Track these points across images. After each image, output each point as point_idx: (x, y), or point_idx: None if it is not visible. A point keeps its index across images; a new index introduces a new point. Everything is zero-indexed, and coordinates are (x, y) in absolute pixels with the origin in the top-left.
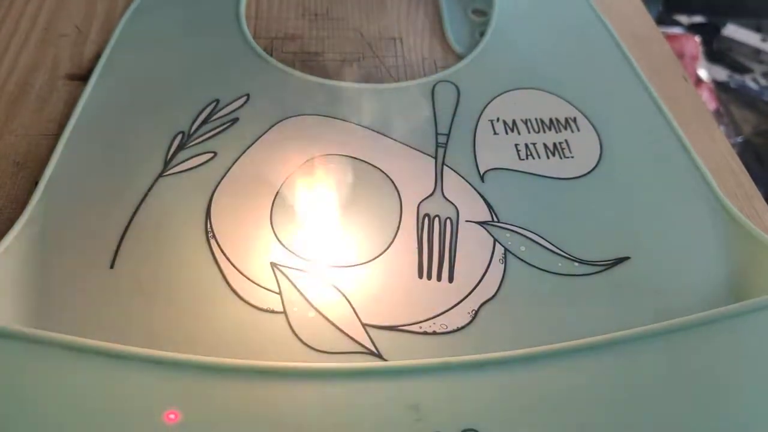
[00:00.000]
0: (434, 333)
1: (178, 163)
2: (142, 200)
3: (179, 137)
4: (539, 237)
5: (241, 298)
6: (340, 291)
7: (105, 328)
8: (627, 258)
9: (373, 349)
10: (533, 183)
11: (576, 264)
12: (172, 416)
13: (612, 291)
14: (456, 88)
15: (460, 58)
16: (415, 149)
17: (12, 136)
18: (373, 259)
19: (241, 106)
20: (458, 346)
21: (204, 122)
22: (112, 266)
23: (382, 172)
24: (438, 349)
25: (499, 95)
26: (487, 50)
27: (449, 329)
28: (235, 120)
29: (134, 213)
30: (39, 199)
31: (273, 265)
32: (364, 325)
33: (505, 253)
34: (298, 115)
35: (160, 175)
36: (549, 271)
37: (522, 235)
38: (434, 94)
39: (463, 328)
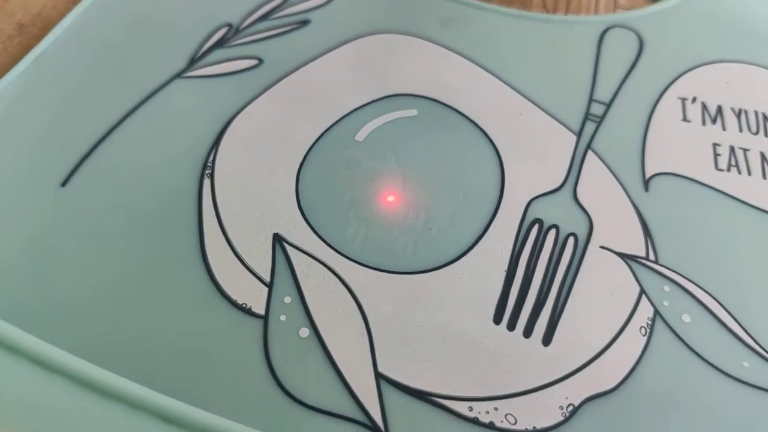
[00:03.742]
0: (491, 426)
1: (207, 65)
2: (138, 105)
3: (222, 31)
4: (719, 305)
5: (215, 282)
6: (360, 307)
7: (55, 254)
8: None
9: (380, 422)
10: (729, 211)
11: None
12: None
13: None
14: (639, 38)
15: None
16: (551, 115)
17: None
18: (430, 270)
19: (320, 6)
20: None
21: (263, 17)
22: (63, 184)
23: (488, 137)
24: None
25: (702, 65)
26: None
27: (518, 427)
28: (305, 23)
29: (121, 120)
30: (23, 71)
31: (277, 237)
32: (378, 377)
33: (653, 318)
34: (389, 33)
35: (178, 75)
36: (725, 373)
37: (690, 293)
38: (602, 42)
39: (545, 431)
